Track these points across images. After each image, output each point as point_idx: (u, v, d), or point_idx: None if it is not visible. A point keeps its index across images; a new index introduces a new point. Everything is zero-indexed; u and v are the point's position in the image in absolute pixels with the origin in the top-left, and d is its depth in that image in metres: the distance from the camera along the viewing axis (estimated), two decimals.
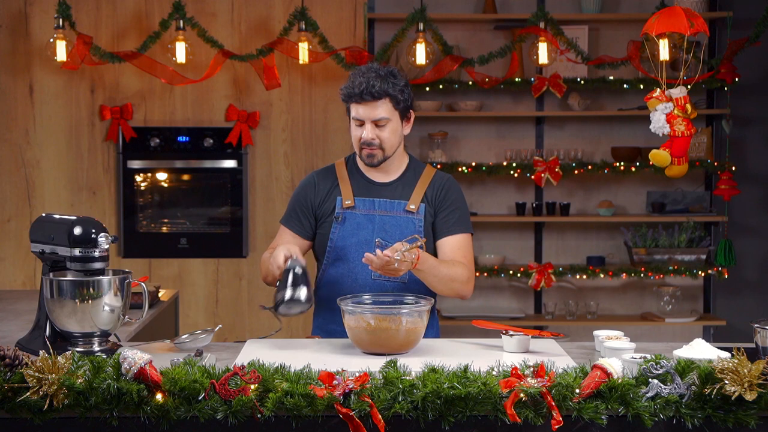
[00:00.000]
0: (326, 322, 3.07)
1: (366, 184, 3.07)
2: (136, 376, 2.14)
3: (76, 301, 2.47)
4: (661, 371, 2.18)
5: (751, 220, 5.77)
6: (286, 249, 2.82)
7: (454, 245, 3.02)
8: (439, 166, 5.49)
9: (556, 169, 5.48)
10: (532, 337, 2.68)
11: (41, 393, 2.12)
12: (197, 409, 2.13)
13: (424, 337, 2.73)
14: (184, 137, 5.42)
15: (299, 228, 3.08)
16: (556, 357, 2.53)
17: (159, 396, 2.14)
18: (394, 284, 2.98)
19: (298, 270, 2.76)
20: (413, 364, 2.24)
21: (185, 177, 5.51)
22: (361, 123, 2.96)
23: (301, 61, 5.17)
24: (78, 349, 2.49)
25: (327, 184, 3.09)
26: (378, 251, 2.70)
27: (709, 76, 5.38)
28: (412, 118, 3.05)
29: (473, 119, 5.79)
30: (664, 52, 2.88)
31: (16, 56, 5.37)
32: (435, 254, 3.04)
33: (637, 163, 5.49)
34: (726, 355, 2.32)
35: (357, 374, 2.17)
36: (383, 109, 2.93)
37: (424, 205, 3.04)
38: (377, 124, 2.95)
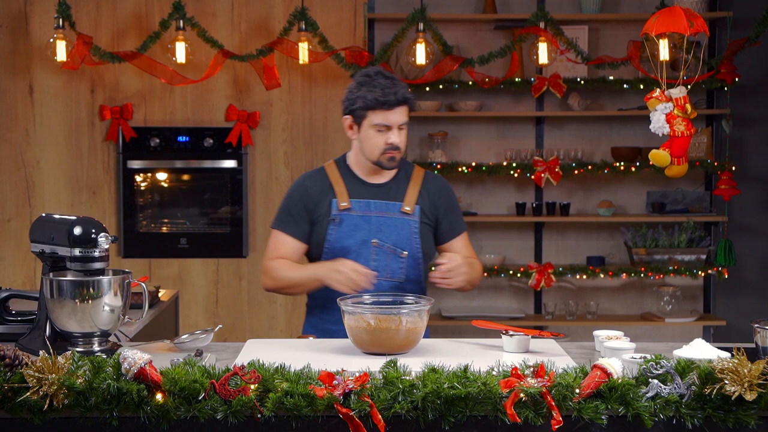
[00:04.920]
0: (322, 322, 3.11)
1: (360, 185, 3.10)
2: (136, 376, 2.14)
3: (76, 301, 2.47)
4: (661, 371, 2.18)
5: (751, 220, 5.77)
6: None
7: (463, 244, 3.15)
8: (438, 166, 5.49)
9: (556, 169, 5.48)
10: (532, 337, 2.68)
11: (41, 393, 2.12)
12: (197, 409, 2.13)
13: None
14: (184, 137, 5.42)
15: (297, 232, 3.10)
16: (556, 357, 2.53)
17: (159, 396, 2.14)
18: (390, 283, 3.03)
19: None
20: (413, 364, 2.24)
21: (185, 177, 5.51)
22: (386, 129, 2.98)
23: (301, 61, 5.17)
24: (78, 349, 2.49)
25: (319, 187, 3.11)
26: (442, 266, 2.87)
27: (709, 76, 5.38)
28: None
29: (473, 119, 5.79)
30: (664, 52, 2.88)
31: (16, 56, 5.38)
32: (421, 252, 3.10)
33: (637, 163, 5.49)
34: (726, 355, 2.32)
35: (357, 374, 2.17)
36: (405, 113, 3.01)
37: (419, 207, 3.08)
38: (401, 128, 3.01)
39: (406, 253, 3.04)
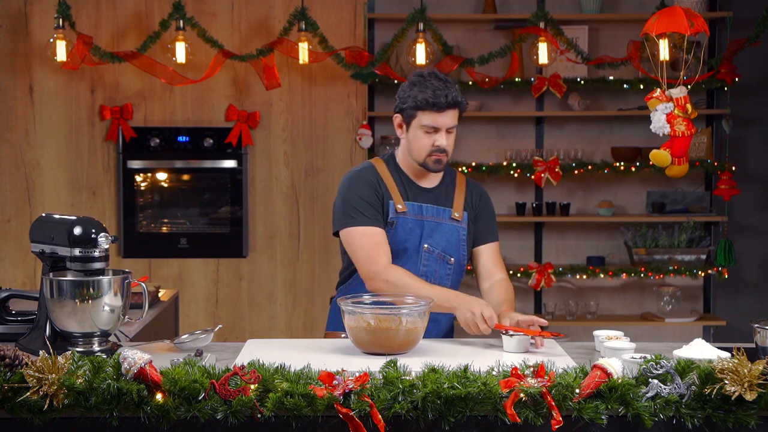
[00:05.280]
0: None
1: (413, 188, 3.07)
2: (136, 376, 2.14)
3: (76, 301, 2.47)
4: (661, 371, 2.18)
5: (751, 220, 5.77)
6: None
7: (493, 254, 3.12)
8: None
9: (556, 169, 5.48)
10: (533, 337, 2.68)
11: (41, 393, 2.12)
12: (197, 409, 2.13)
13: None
14: (184, 137, 5.42)
15: (382, 222, 2.99)
16: (556, 357, 2.53)
17: (159, 396, 2.14)
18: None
19: None
20: (413, 364, 2.24)
21: (185, 177, 5.51)
22: (433, 130, 2.95)
23: (301, 61, 5.17)
24: (78, 349, 2.49)
25: (376, 183, 3.04)
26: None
27: (709, 76, 5.38)
28: None
29: (473, 119, 5.78)
30: (664, 52, 2.88)
31: (16, 56, 5.38)
32: (466, 259, 3.10)
33: (637, 163, 5.49)
34: (726, 355, 2.31)
35: (357, 374, 2.17)
36: (455, 116, 2.97)
37: (466, 213, 3.09)
38: (449, 131, 2.97)
39: (453, 259, 3.04)
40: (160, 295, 3.77)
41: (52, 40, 5.08)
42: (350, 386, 2.12)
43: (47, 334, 2.59)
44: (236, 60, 5.22)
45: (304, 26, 5.16)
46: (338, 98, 5.47)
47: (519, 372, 2.18)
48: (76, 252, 2.53)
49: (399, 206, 3.01)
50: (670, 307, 5.64)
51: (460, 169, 5.47)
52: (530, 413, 2.13)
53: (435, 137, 2.96)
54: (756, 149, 5.77)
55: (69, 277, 2.54)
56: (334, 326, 3.11)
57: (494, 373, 2.20)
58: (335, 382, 2.15)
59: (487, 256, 3.12)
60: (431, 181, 3.09)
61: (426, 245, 3.00)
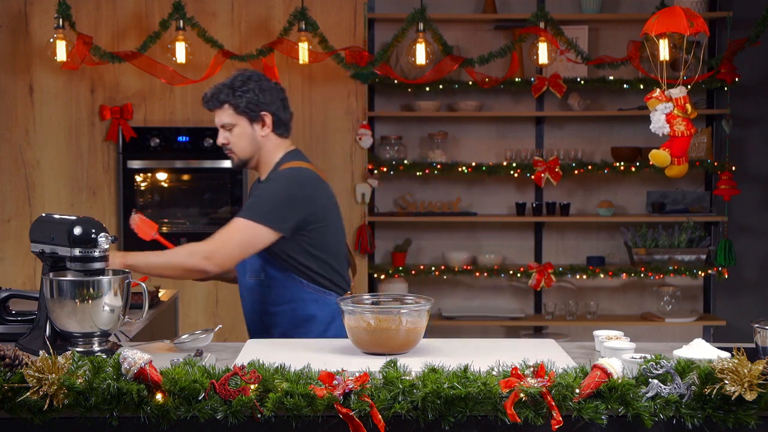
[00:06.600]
0: None
1: (256, 184, 3.30)
2: (136, 376, 2.14)
3: (76, 301, 2.47)
4: (661, 371, 2.18)
5: (751, 220, 5.77)
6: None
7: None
8: (438, 166, 5.49)
9: (556, 169, 5.48)
10: None
11: (41, 393, 2.12)
12: (197, 409, 2.13)
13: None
14: (184, 137, 5.42)
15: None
16: (556, 357, 2.53)
17: (159, 396, 2.14)
18: (255, 281, 3.21)
19: None
20: (413, 364, 2.24)
21: (185, 177, 5.50)
22: None
23: (301, 61, 5.17)
24: (78, 349, 2.49)
25: None
26: None
27: (709, 76, 5.38)
28: (269, 120, 3.19)
29: (473, 119, 5.79)
30: (664, 52, 2.88)
31: (16, 56, 5.37)
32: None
33: (637, 163, 5.50)
34: (726, 355, 2.32)
35: (357, 374, 2.17)
36: (225, 115, 3.15)
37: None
38: (225, 128, 3.16)
39: None
40: (160, 295, 3.77)
41: (52, 40, 5.07)
42: (350, 386, 2.12)
43: (47, 334, 2.59)
44: (236, 60, 5.21)
45: (304, 26, 5.16)
46: (338, 98, 5.46)
47: (519, 372, 2.18)
48: (76, 252, 2.53)
49: None
50: (670, 307, 5.64)
51: (460, 169, 5.47)
52: (530, 413, 2.13)
53: None
54: (756, 149, 5.77)
55: (69, 277, 2.54)
56: None
57: (494, 373, 2.20)
58: (335, 382, 2.15)
59: None
60: (264, 175, 3.24)
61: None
